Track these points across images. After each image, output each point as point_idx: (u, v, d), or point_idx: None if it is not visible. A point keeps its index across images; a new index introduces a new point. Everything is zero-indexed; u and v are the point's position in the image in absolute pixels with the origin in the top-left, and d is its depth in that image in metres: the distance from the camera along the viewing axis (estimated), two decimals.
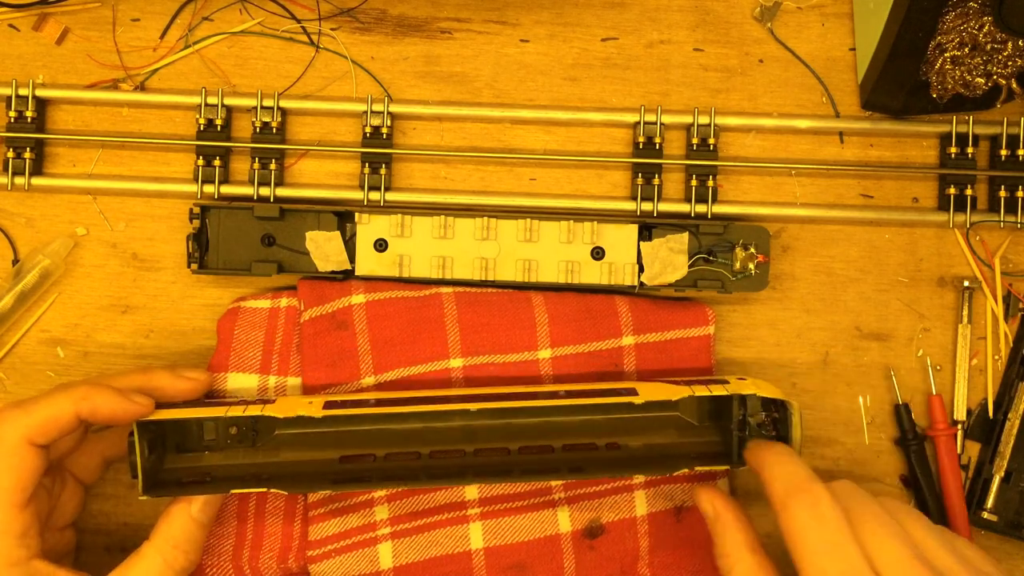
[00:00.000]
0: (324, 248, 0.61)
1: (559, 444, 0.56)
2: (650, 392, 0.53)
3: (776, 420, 0.54)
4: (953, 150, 0.63)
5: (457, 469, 0.55)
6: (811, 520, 0.47)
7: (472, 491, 0.59)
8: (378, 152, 0.62)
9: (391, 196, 0.62)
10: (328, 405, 0.54)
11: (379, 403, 0.54)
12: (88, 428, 0.56)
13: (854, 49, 0.64)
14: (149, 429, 0.53)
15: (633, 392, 0.54)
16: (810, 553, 0.46)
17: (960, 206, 0.63)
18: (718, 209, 0.62)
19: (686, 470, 0.53)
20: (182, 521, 0.52)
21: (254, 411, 0.54)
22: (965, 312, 0.63)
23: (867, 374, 0.63)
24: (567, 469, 0.54)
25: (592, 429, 0.56)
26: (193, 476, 0.55)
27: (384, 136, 0.63)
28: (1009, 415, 0.62)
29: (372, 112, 0.63)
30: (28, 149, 0.62)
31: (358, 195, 0.62)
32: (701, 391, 0.53)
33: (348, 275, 0.61)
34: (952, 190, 0.62)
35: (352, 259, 0.61)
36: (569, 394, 0.55)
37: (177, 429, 0.55)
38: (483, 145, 0.64)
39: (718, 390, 0.53)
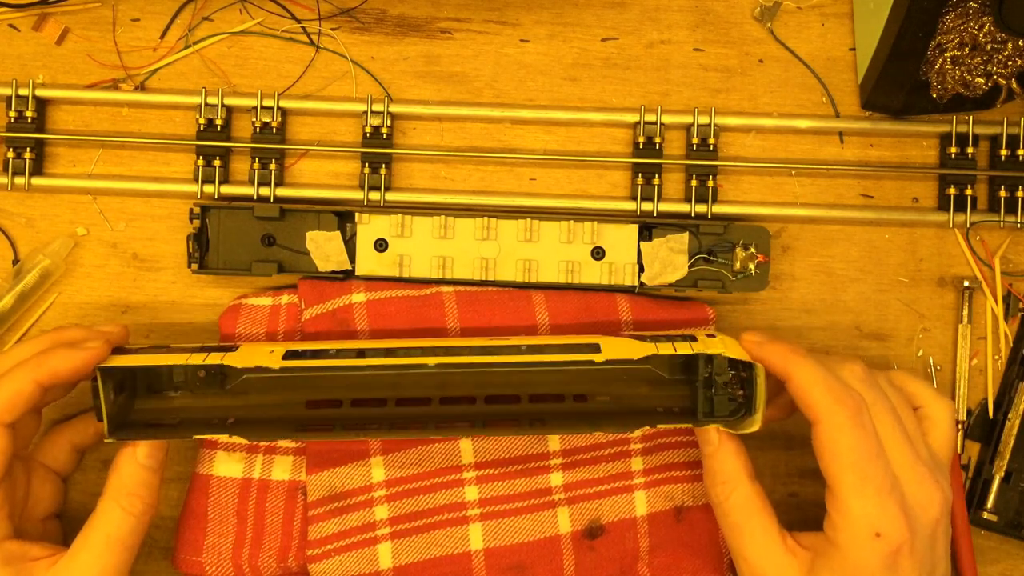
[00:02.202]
0: (324, 248, 0.61)
1: (526, 394, 0.55)
2: (613, 349, 0.52)
3: (744, 380, 0.52)
4: (953, 150, 0.63)
5: (421, 418, 0.55)
6: (857, 429, 0.47)
7: (472, 491, 0.59)
8: (378, 152, 0.62)
9: (391, 196, 0.62)
10: (288, 355, 0.53)
11: (339, 354, 0.54)
12: (43, 407, 0.57)
13: (854, 49, 0.64)
14: (113, 375, 0.52)
15: (596, 348, 0.53)
16: (856, 461, 0.47)
17: (960, 206, 0.63)
18: (718, 209, 0.62)
19: (647, 428, 0.52)
20: (131, 468, 0.52)
21: (214, 359, 0.53)
22: (965, 312, 0.63)
23: None
24: (529, 422, 0.53)
25: (560, 380, 0.55)
26: (161, 418, 0.54)
27: (384, 136, 0.63)
28: (1009, 415, 0.62)
29: (372, 112, 0.63)
30: (28, 149, 0.62)
31: (358, 195, 0.62)
32: (666, 349, 0.52)
33: (348, 275, 0.61)
34: (952, 190, 0.62)
35: (352, 259, 0.61)
36: (531, 348, 0.54)
37: (145, 371, 0.54)
38: (483, 145, 0.64)
39: (683, 348, 0.53)
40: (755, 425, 0.51)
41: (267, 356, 0.53)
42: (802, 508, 0.63)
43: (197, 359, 0.53)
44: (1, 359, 0.53)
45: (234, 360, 0.53)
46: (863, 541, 0.47)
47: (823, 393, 0.48)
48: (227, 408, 0.55)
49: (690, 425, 0.53)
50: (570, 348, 0.53)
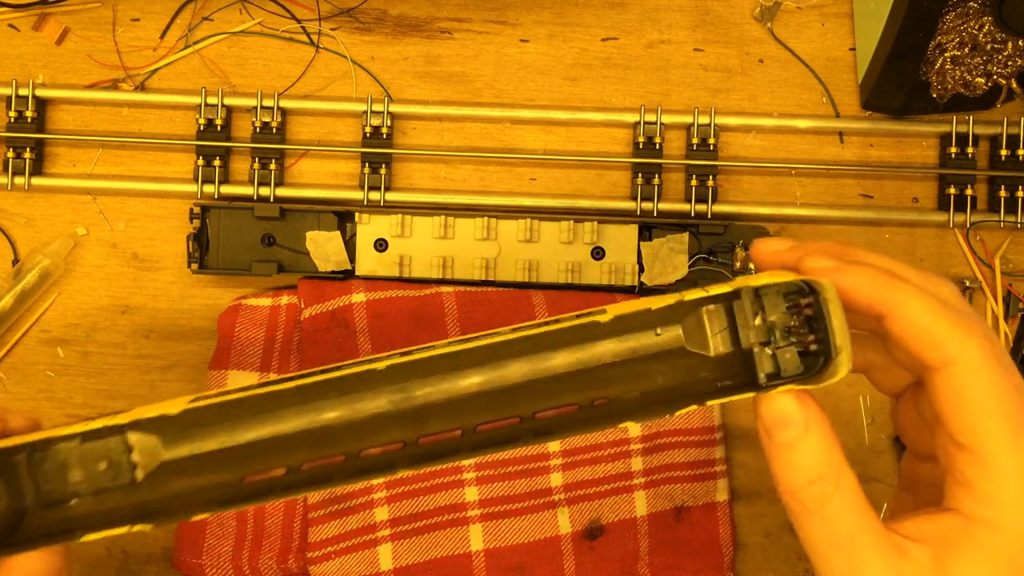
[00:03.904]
0: (324, 248, 0.61)
1: (529, 412, 0.38)
2: (624, 307, 0.38)
3: (811, 320, 0.36)
4: (953, 150, 0.63)
5: (388, 461, 0.39)
6: (1001, 367, 0.34)
7: (472, 492, 0.59)
8: (378, 152, 0.62)
9: (391, 196, 0.62)
10: (196, 401, 0.39)
11: (257, 397, 0.38)
12: None
13: (854, 49, 0.64)
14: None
15: (601, 312, 0.38)
16: (1008, 408, 0.34)
17: (960, 206, 0.63)
18: (718, 209, 0.62)
19: (694, 406, 0.37)
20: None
21: (96, 425, 0.40)
22: None
23: None
24: (535, 433, 0.39)
25: (572, 385, 0.39)
26: (56, 529, 0.41)
27: (384, 136, 0.63)
28: None
29: (372, 112, 0.63)
30: (28, 149, 0.62)
31: (358, 195, 0.62)
32: (695, 294, 0.37)
33: (348, 275, 0.61)
34: (952, 190, 0.62)
35: (352, 259, 0.61)
36: (522, 340, 0.38)
37: (34, 476, 0.40)
38: (483, 145, 0.64)
39: (717, 289, 0.37)
40: (841, 371, 0.35)
41: (163, 407, 0.40)
42: None
43: (75, 428, 0.40)
44: None
45: (122, 418, 0.40)
46: None
47: (951, 327, 0.34)
48: (140, 504, 0.40)
49: (751, 396, 0.36)
50: (568, 331, 0.38)
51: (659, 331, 0.37)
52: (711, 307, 0.37)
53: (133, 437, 0.40)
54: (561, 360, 0.38)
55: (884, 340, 0.39)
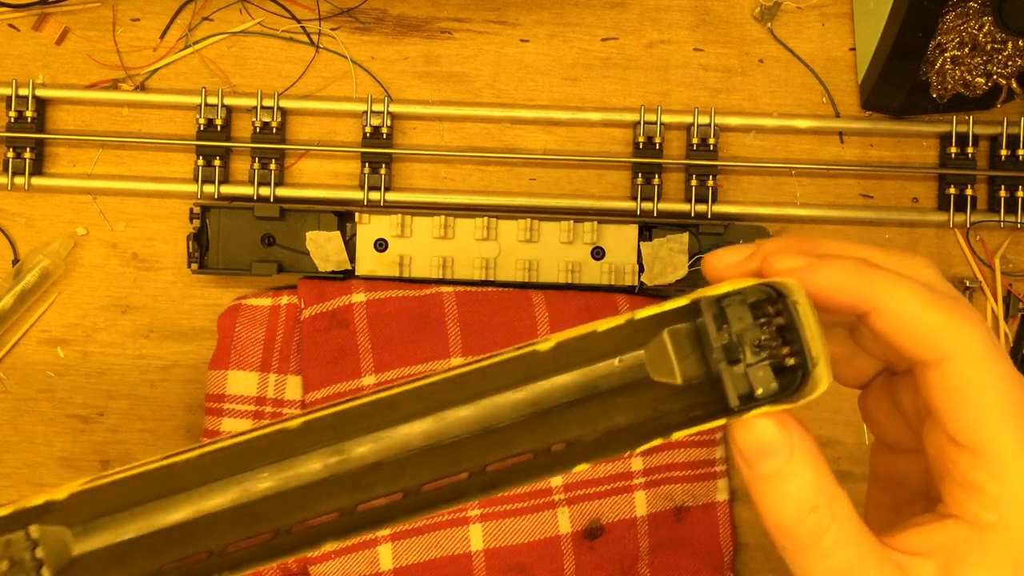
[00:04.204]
0: (324, 248, 0.61)
1: (479, 465, 0.33)
2: (568, 332, 0.32)
3: (783, 330, 0.31)
4: (953, 150, 0.63)
5: (318, 534, 0.34)
6: (1000, 359, 0.31)
7: None
8: (378, 152, 0.62)
9: (391, 196, 0.62)
10: (93, 481, 0.33)
11: (175, 469, 0.32)
12: None
13: (854, 49, 0.64)
14: None
15: (543, 341, 0.33)
16: (1010, 402, 0.30)
17: (960, 206, 0.63)
18: (718, 209, 0.62)
19: (659, 440, 0.32)
20: None
21: None
22: None
23: None
24: (479, 490, 0.34)
25: (525, 431, 0.34)
26: None
27: (384, 136, 0.63)
28: None
29: (372, 112, 0.63)
30: (28, 149, 0.62)
31: (358, 195, 0.62)
32: (648, 311, 0.32)
33: (348, 275, 0.61)
34: (952, 190, 0.62)
35: (352, 259, 0.61)
36: (461, 381, 0.33)
37: None
38: (483, 145, 0.64)
39: (672, 304, 0.32)
40: (821, 384, 0.30)
41: (57, 490, 0.33)
42: None
43: None
44: None
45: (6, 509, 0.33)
46: None
47: (944, 317, 0.30)
48: None
49: (722, 423, 0.32)
50: (496, 368, 0.33)
51: (620, 360, 0.33)
52: (676, 327, 0.32)
53: (36, 531, 0.32)
54: (508, 403, 0.33)
55: (853, 332, 0.36)
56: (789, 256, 0.32)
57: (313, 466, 0.32)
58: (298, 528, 0.32)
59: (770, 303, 0.32)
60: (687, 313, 0.32)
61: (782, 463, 0.31)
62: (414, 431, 0.32)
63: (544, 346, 0.32)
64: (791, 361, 0.31)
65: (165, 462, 0.31)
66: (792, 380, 0.31)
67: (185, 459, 0.31)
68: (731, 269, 0.33)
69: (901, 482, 0.36)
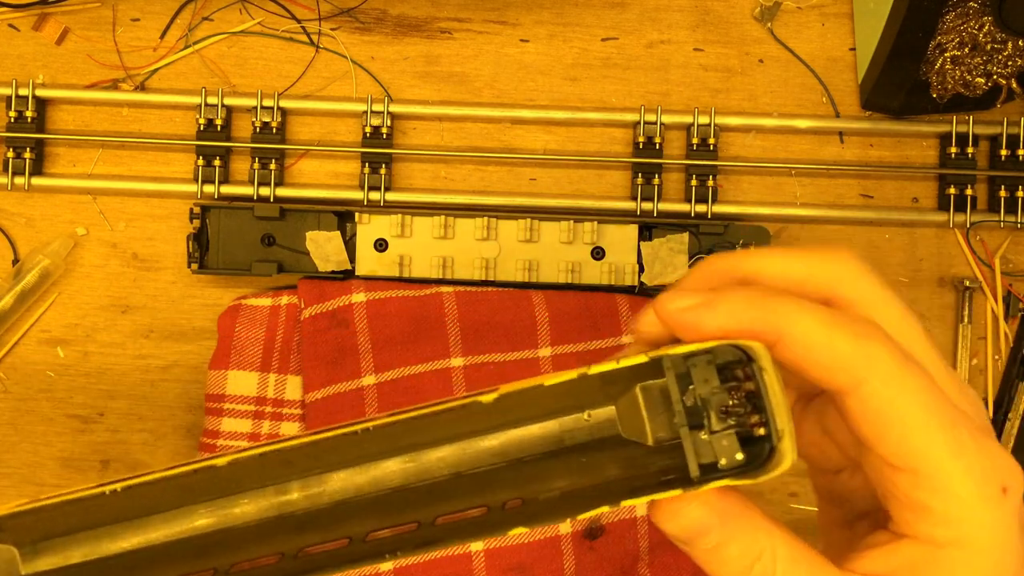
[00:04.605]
0: (324, 248, 0.61)
1: (428, 518, 0.31)
2: (516, 385, 0.30)
3: (752, 395, 0.29)
4: (953, 150, 0.63)
5: None
6: (915, 371, 0.29)
7: None
8: (378, 152, 0.62)
9: (391, 196, 0.62)
10: (31, 503, 0.32)
11: (121, 495, 0.31)
12: None
13: (854, 49, 0.64)
14: None
15: (490, 391, 0.31)
16: (934, 413, 0.29)
17: (960, 206, 0.63)
18: (718, 209, 0.62)
19: (606, 507, 0.30)
20: None
21: None
22: (965, 312, 0.63)
23: None
24: (427, 544, 0.31)
25: (481, 486, 0.31)
26: None
27: (384, 136, 0.63)
28: (1009, 415, 0.62)
29: (372, 112, 0.63)
30: (28, 149, 0.62)
31: (358, 195, 0.62)
32: (602, 367, 0.30)
33: (348, 275, 0.61)
34: (952, 190, 0.62)
35: (352, 259, 0.61)
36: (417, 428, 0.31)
37: None
38: (483, 145, 0.64)
39: (630, 360, 0.30)
40: (785, 461, 0.29)
41: None
42: (803, 509, 0.62)
43: None
44: None
45: None
46: (992, 511, 0.29)
47: (851, 341, 0.29)
48: None
49: (677, 493, 0.29)
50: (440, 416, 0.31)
51: (589, 415, 0.30)
52: (649, 383, 0.30)
53: None
54: (436, 458, 0.31)
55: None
56: (683, 296, 0.30)
57: (250, 507, 0.31)
58: (237, 569, 0.31)
59: (740, 366, 0.29)
60: (644, 371, 0.30)
61: (717, 536, 0.30)
62: (359, 480, 0.31)
63: (488, 398, 0.30)
64: (761, 431, 0.29)
65: (107, 488, 0.30)
66: (759, 452, 0.29)
67: (129, 485, 0.31)
68: (652, 329, 0.32)
69: (847, 498, 0.35)
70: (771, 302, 0.29)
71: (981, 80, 0.58)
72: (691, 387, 0.29)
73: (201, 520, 0.31)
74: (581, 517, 0.30)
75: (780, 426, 0.28)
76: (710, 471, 0.29)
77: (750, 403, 0.29)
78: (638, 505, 0.60)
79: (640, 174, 0.63)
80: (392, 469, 0.30)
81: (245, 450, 0.30)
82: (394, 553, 0.30)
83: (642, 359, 0.30)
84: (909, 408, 0.29)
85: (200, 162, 0.62)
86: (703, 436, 0.29)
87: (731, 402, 0.29)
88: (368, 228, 0.61)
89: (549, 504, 0.30)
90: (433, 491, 0.31)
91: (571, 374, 0.30)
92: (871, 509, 0.32)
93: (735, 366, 0.29)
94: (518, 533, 0.31)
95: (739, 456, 0.29)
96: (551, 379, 0.30)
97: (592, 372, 0.30)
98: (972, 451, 0.29)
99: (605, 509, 0.30)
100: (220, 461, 0.30)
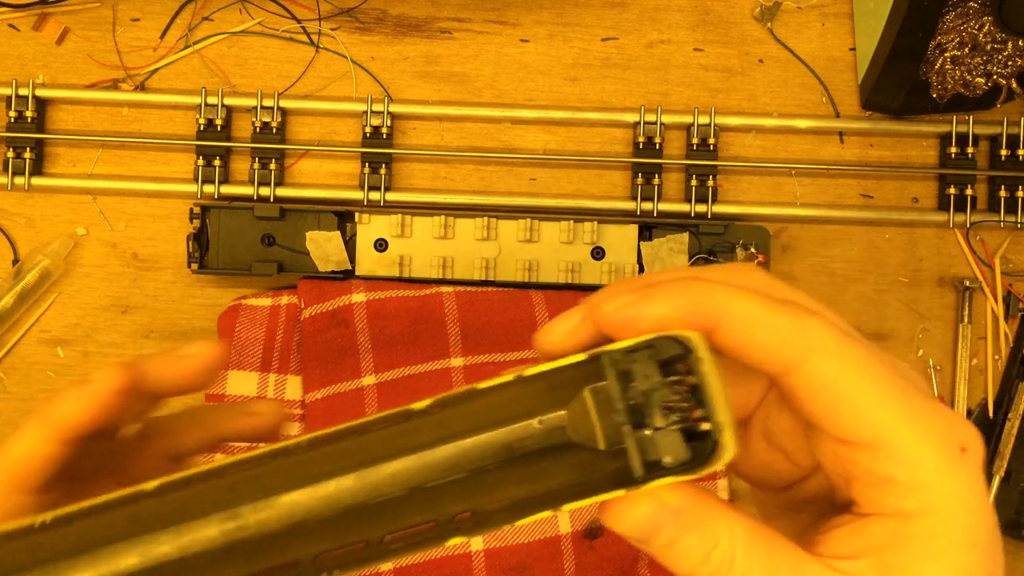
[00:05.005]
0: (324, 248, 0.61)
1: (377, 536, 0.30)
2: (451, 392, 0.30)
3: (696, 390, 0.29)
4: (953, 150, 0.63)
5: None
6: (853, 340, 0.29)
7: None
8: (378, 152, 0.62)
9: (391, 196, 0.62)
10: None
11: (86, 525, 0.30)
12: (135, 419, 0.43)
13: (854, 49, 0.64)
14: None
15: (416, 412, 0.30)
16: (882, 380, 0.28)
17: (960, 206, 0.63)
18: (718, 209, 0.62)
19: (548, 512, 0.29)
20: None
21: None
22: (965, 312, 0.63)
23: None
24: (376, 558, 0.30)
25: (431, 501, 0.30)
26: None
27: (384, 136, 0.63)
28: (1009, 415, 0.62)
29: (372, 112, 0.63)
30: (28, 149, 0.62)
31: (358, 195, 0.62)
32: (539, 368, 0.30)
33: (348, 275, 0.61)
34: (952, 190, 0.62)
35: (352, 259, 0.61)
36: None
37: None
38: (483, 145, 0.64)
39: (568, 360, 0.30)
40: (726, 453, 0.28)
41: None
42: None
43: None
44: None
45: None
46: (955, 472, 0.28)
47: (790, 318, 0.28)
48: None
49: (620, 494, 0.28)
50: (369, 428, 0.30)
51: (540, 421, 0.29)
52: (599, 385, 0.29)
53: None
54: (388, 473, 0.30)
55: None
56: (618, 295, 0.29)
57: (210, 531, 0.30)
58: None
59: (681, 360, 0.29)
60: (587, 369, 0.29)
61: (671, 531, 0.29)
62: (307, 497, 0.30)
63: (419, 404, 0.29)
64: (706, 426, 0.28)
65: (36, 520, 0.30)
66: (705, 446, 0.28)
67: (58, 516, 0.30)
68: (569, 339, 0.31)
69: (799, 510, 0.34)
70: (707, 287, 0.29)
71: (981, 80, 0.58)
72: (633, 384, 0.28)
73: (127, 560, 0.29)
74: (521, 523, 0.29)
75: (720, 418, 0.28)
76: (656, 469, 0.28)
77: (694, 398, 0.28)
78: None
79: (640, 174, 0.63)
80: (342, 487, 0.29)
81: (173, 482, 0.29)
82: (331, 572, 0.29)
83: (580, 357, 0.29)
84: (856, 379, 0.28)
85: (200, 162, 0.62)
86: (648, 433, 0.28)
87: (674, 398, 0.28)
88: (368, 228, 0.61)
89: (497, 514, 0.29)
90: (383, 509, 0.29)
91: (507, 377, 0.29)
92: (827, 514, 0.31)
93: (676, 361, 0.29)
94: (456, 543, 0.30)
95: (684, 452, 0.28)
96: (485, 383, 0.29)
97: (528, 374, 0.29)
98: (926, 415, 0.28)
99: (547, 514, 0.29)
100: (149, 486, 0.29)
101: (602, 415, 0.29)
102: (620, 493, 0.28)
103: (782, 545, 0.29)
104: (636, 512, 0.28)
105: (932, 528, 0.28)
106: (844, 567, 0.29)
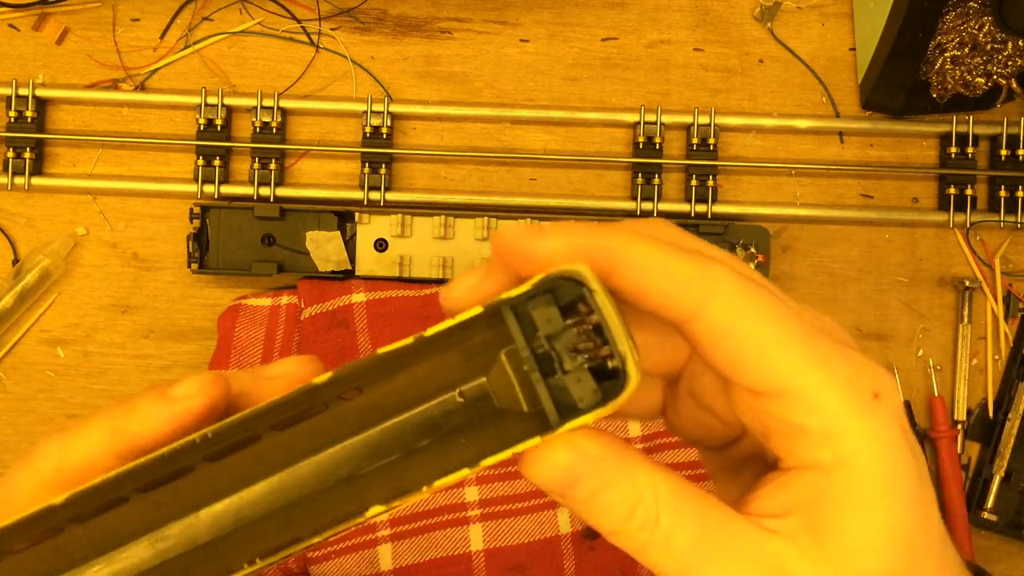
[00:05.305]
0: (324, 248, 0.61)
1: (308, 531, 0.29)
2: (352, 363, 0.29)
3: (599, 328, 0.28)
4: (953, 150, 0.63)
5: None
6: (757, 286, 0.27)
7: (472, 492, 0.59)
8: (378, 152, 0.62)
9: (391, 196, 0.62)
10: None
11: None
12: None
13: (854, 49, 0.64)
14: None
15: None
16: (787, 324, 0.27)
17: (960, 206, 0.63)
18: (718, 209, 0.62)
19: (466, 470, 0.28)
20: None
21: None
22: (965, 312, 0.63)
23: None
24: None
25: (358, 490, 0.29)
26: None
27: (384, 136, 0.63)
28: (1009, 415, 0.62)
29: (372, 112, 0.63)
30: (28, 149, 0.62)
31: (358, 195, 0.62)
32: (438, 327, 0.28)
33: (348, 275, 0.61)
34: (952, 190, 0.62)
35: (352, 259, 0.61)
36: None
37: None
38: (483, 145, 0.64)
39: (467, 314, 0.28)
40: (630, 382, 0.27)
41: None
42: None
43: None
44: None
45: None
46: (867, 419, 0.27)
47: (689, 265, 0.27)
48: None
49: (536, 442, 0.27)
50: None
51: (460, 393, 0.29)
52: (514, 347, 0.28)
53: None
54: (318, 467, 0.29)
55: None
56: (517, 239, 0.28)
57: (139, 550, 0.29)
58: None
59: (581, 300, 0.28)
60: (484, 322, 0.28)
61: (592, 482, 0.27)
62: (250, 496, 0.29)
63: (320, 379, 0.28)
64: (613, 363, 0.27)
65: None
66: (617, 383, 0.27)
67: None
68: (472, 294, 0.29)
69: (739, 470, 0.33)
70: (608, 228, 0.28)
71: (981, 80, 0.58)
72: (537, 332, 0.28)
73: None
74: (438, 484, 0.28)
75: (620, 347, 0.27)
76: (570, 412, 0.27)
77: (599, 336, 0.27)
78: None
79: (640, 174, 0.63)
80: (266, 490, 0.29)
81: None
82: (252, 561, 0.28)
83: (477, 310, 0.28)
84: (758, 324, 0.27)
85: (200, 162, 0.62)
86: (558, 378, 0.27)
87: (578, 339, 0.27)
88: (368, 228, 0.61)
89: (418, 483, 0.28)
90: (313, 505, 0.29)
91: (407, 340, 0.28)
92: (762, 471, 0.30)
93: (577, 303, 0.28)
94: (376, 512, 0.28)
95: (595, 392, 0.27)
96: (386, 348, 0.28)
97: (428, 334, 0.28)
98: (834, 359, 0.27)
99: (466, 472, 0.28)
100: (58, 500, 0.28)
101: (520, 377, 0.28)
102: (536, 441, 0.27)
103: (711, 503, 0.28)
104: (552, 459, 0.27)
105: (850, 480, 0.27)
106: (773, 525, 0.27)
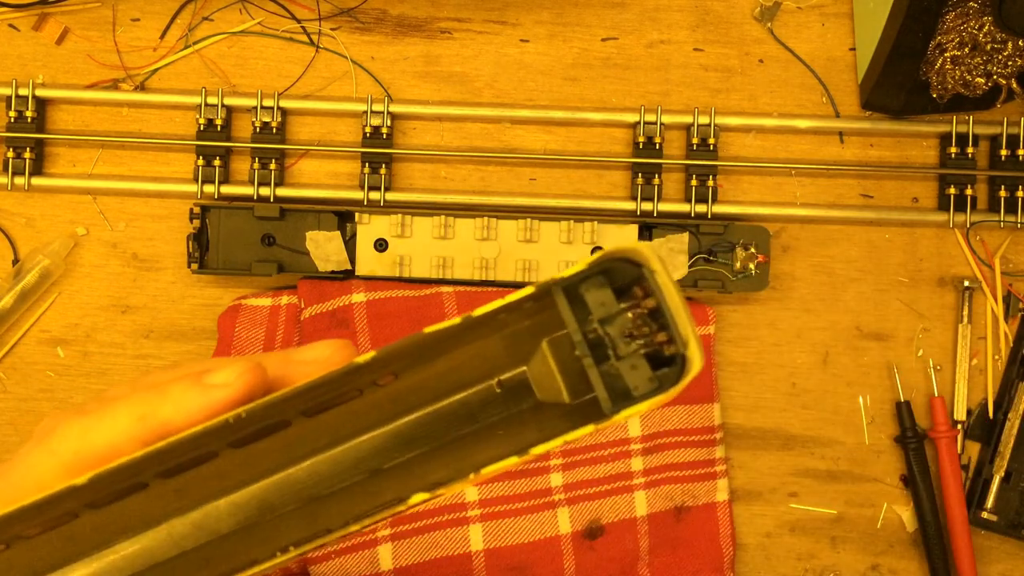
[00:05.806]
0: (324, 248, 0.61)
1: (340, 522, 0.28)
2: (396, 344, 0.28)
3: (655, 312, 0.26)
4: (953, 150, 0.63)
5: None
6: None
7: (472, 492, 0.59)
8: (378, 152, 0.62)
9: (391, 196, 0.62)
10: None
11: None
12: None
13: (854, 49, 0.64)
14: None
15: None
16: None
17: (960, 206, 0.63)
18: (718, 209, 0.62)
19: (515, 458, 0.27)
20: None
21: None
22: (965, 312, 0.63)
23: (867, 374, 0.63)
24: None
25: (393, 481, 0.29)
26: None
27: (384, 136, 0.63)
28: (1009, 415, 0.62)
29: (372, 112, 0.63)
30: (28, 149, 0.62)
31: (358, 195, 0.62)
32: (486, 308, 0.28)
33: (348, 275, 0.61)
34: (952, 190, 0.62)
35: (352, 259, 0.61)
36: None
37: None
38: (483, 145, 0.64)
39: (516, 295, 0.27)
40: (695, 366, 0.26)
41: None
42: (803, 509, 0.62)
43: None
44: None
45: None
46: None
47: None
48: None
49: (590, 430, 0.26)
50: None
51: (500, 383, 0.28)
52: (557, 335, 0.27)
53: None
54: (356, 454, 0.28)
55: None
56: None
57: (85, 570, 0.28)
58: None
59: (636, 283, 0.26)
60: (538, 308, 0.27)
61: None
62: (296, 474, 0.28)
63: (364, 358, 0.27)
64: (672, 349, 0.26)
65: None
66: (673, 369, 0.26)
67: None
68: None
69: None
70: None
71: (981, 80, 0.58)
72: (590, 316, 0.26)
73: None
74: (486, 471, 0.27)
75: (684, 331, 0.26)
76: (624, 399, 0.26)
77: (655, 321, 0.26)
78: (638, 504, 0.60)
79: (640, 174, 0.63)
80: (296, 477, 0.28)
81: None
82: (285, 550, 0.28)
83: (529, 290, 0.26)
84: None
85: (200, 162, 0.62)
86: (610, 365, 0.26)
87: (634, 322, 0.26)
88: (368, 228, 0.61)
89: (462, 473, 0.27)
90: (345, 492, 0.28)
91: (455, 320, 0.28)
92: None
93: (632, 286, 0.26)
94: (419, 500, 0.28)
95: (651, 379, 0.26)
96: (433, 327, 0.27)
97: (476, 314, 0.27)
98: None
99: (515, 460, 0.27)
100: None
101: (562, 366, 0.27)
102: (589, 428, 0.26)
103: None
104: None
105: None
106: None
